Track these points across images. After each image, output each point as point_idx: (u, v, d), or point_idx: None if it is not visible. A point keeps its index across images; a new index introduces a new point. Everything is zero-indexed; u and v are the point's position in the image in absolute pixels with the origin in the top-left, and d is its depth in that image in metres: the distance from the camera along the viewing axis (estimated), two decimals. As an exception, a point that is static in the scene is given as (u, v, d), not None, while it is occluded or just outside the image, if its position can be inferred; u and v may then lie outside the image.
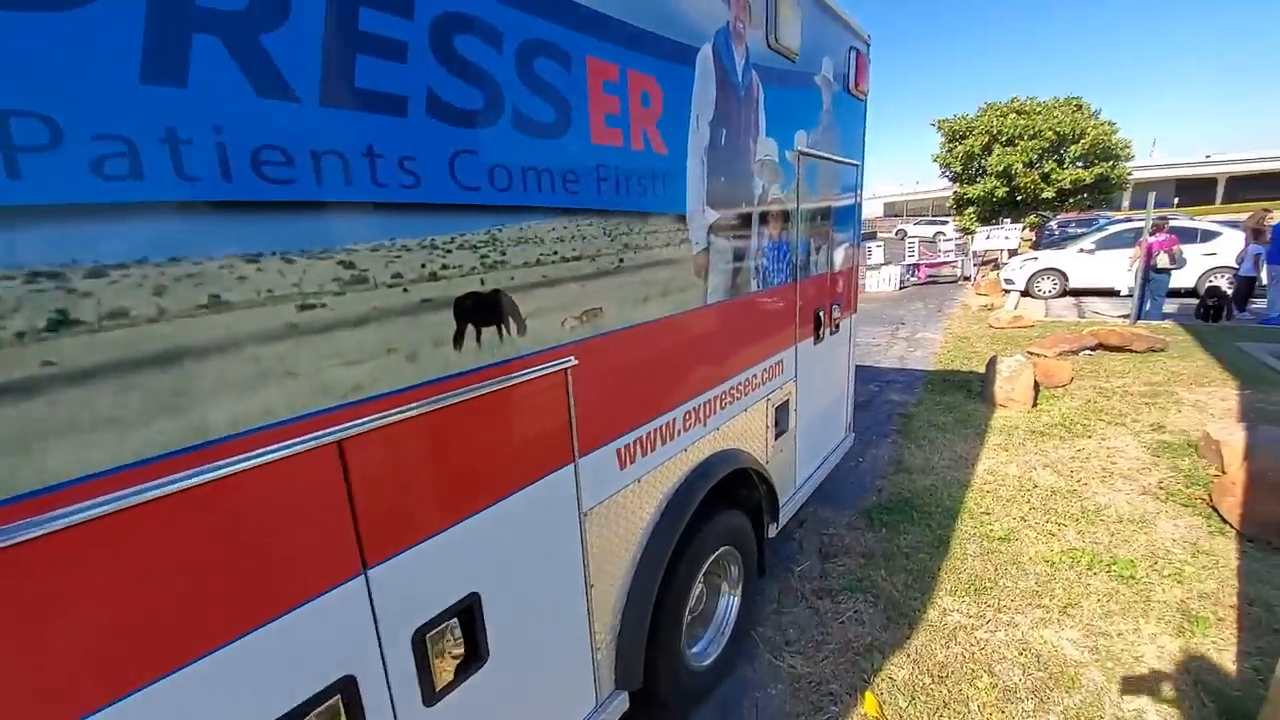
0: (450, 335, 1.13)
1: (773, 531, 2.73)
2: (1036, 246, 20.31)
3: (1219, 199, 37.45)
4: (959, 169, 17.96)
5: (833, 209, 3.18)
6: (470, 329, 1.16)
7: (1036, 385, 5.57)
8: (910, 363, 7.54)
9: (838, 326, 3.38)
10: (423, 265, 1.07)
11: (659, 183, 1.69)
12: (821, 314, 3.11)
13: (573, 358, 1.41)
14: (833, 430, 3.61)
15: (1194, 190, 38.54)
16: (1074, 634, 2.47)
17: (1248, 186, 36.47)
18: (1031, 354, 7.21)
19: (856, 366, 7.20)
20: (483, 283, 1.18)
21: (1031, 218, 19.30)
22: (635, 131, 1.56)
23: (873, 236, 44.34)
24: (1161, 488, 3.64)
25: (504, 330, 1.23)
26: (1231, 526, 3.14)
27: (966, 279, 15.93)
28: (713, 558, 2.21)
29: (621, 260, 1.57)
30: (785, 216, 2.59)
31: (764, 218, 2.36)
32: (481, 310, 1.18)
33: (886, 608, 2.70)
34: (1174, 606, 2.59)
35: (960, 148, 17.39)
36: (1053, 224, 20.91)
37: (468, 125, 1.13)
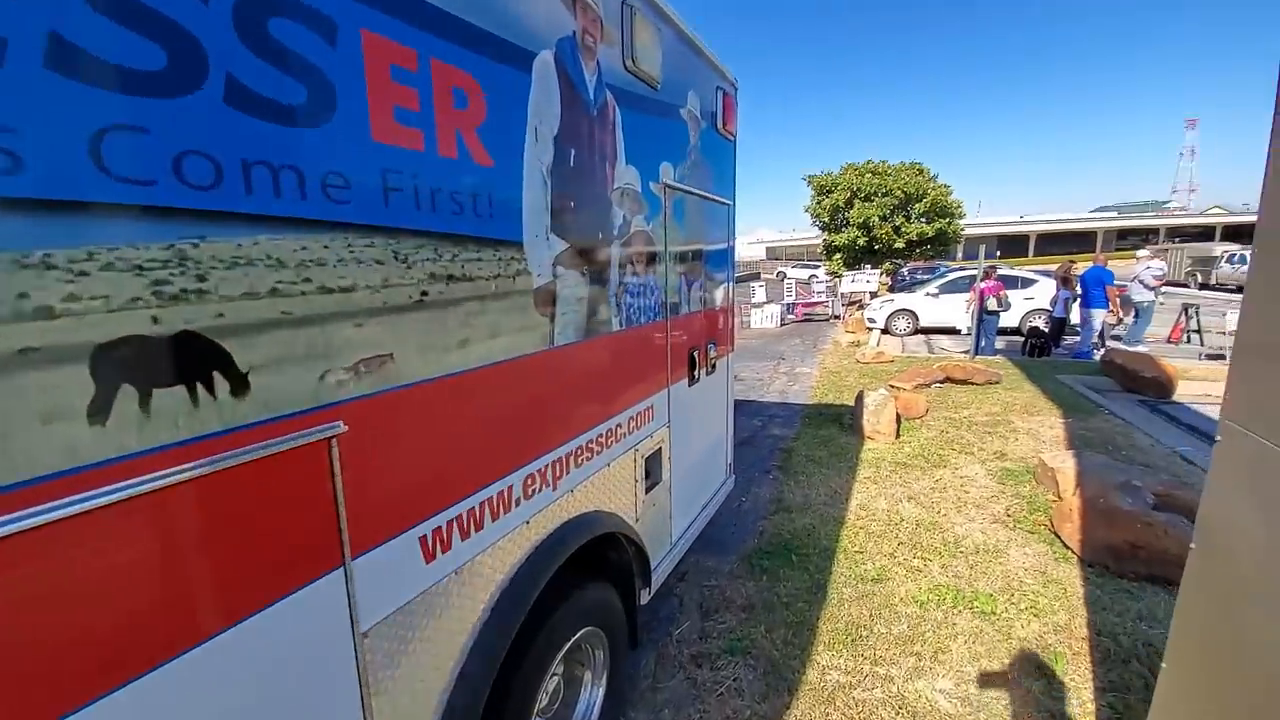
0: (84, 404, 0.72)
1: (645, 598, 2.43)
2: (892, 290, 22.65)
3: (1031, 252, 44.65)
4: (827, 219, 19.74)
5: (705, 246, 3.07)
6: (127, 392, 0.76)
7: (899, 417, 5.90)
8: (790, 396, 7.78)
9: (714, 366, 3.23)
10: (23, 295, 0.67)
11: (483, 201, 1.38)
12: (696, 354, 2.94)
13: (340, 423, 1.03)
14: (712, 475, 3.43)
15: (1011, 244, 45.66)
16: (946, 684, 2.40)
17: (1052, 242, 44.60)
18: (893, 387, 7.74)
19: (741, 402, 7.25)
20: (156, 321, 0.78)
21: (887, 265, 21.53)
22: (444, 135, 1.25)
23: (756, 277, 47.52)
24: (1009, 515, 3.84)
25: (199, 391, 0.83)
26: (1073, 552, 3.34)
27: (837, 318, 17.26)
28: (570, 645, 1.85)
29: (424, 294, 1.22)
30: (652, 251, 2.39)
31: (627, 251, 2.14)
32: (149, 362, 0.78)
33: (766, 672, 2.49)
34: (1034, 642, 2.63)
35: (827, 201, 19.16)
36: (904, 271, 23.50)
37: (126, 87, 0.75)
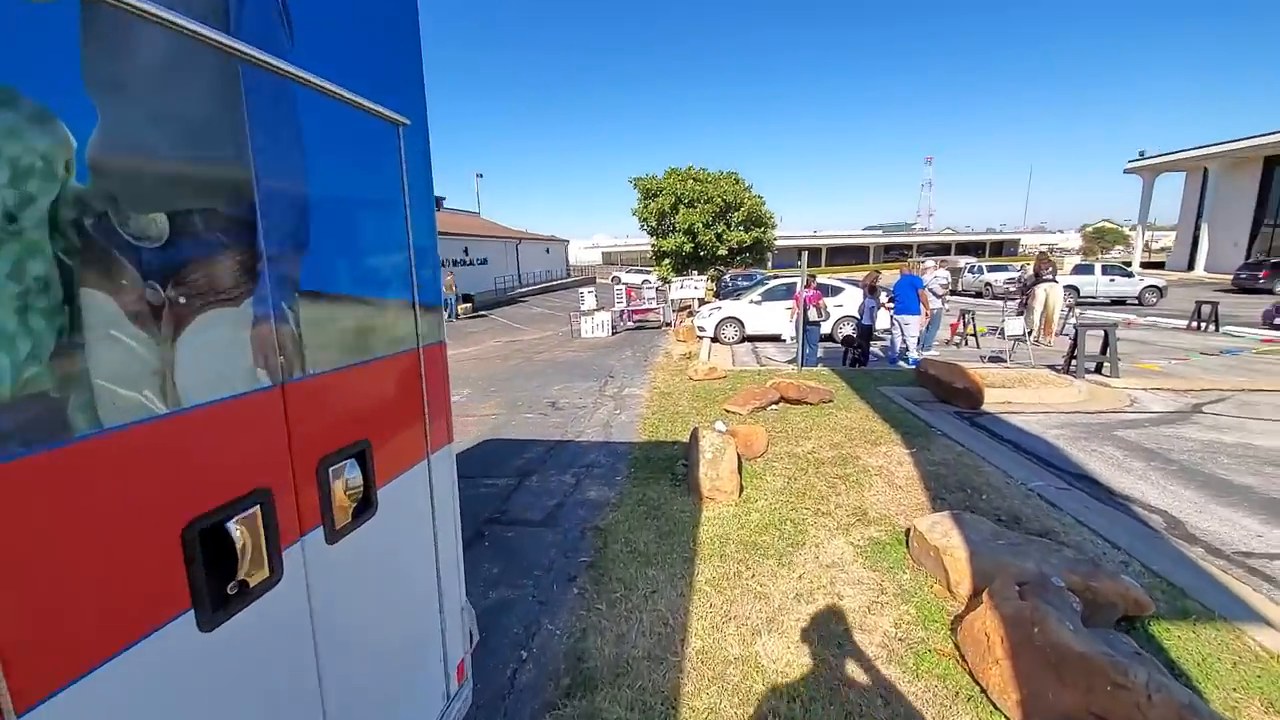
0: None
1: None
2: (719, 295, 22.85)
3: (824, 262, 50.03)
4: (654, 224, 19.03)
5: (358, 218, 1.21)
6: None
7: (740, 460, 4.62)
8: (616, 430, 6.22)
9: (402, 483, 1.39)
10: None
11: None
12: (335, 472, 1.08)
13: None
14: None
15: (809, 254, 51.17)
16: None
17: (838, 254, 50.91)
18: (728, 412, 6.62)
19: (554, 445, 5.47)
20: None
21: (713, 271, 21.59)
22: None
23: (592, 282, 46.76)
24: (903, 642, 2.58)
25: None
26: (1008, 724, 2.11)
27: (668, 325, 16.48)
28: None
29: None
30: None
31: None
32: None
33: None
34: None
35: (653, 204, 18.40)
36: (727, 278, 23.94)
37: None
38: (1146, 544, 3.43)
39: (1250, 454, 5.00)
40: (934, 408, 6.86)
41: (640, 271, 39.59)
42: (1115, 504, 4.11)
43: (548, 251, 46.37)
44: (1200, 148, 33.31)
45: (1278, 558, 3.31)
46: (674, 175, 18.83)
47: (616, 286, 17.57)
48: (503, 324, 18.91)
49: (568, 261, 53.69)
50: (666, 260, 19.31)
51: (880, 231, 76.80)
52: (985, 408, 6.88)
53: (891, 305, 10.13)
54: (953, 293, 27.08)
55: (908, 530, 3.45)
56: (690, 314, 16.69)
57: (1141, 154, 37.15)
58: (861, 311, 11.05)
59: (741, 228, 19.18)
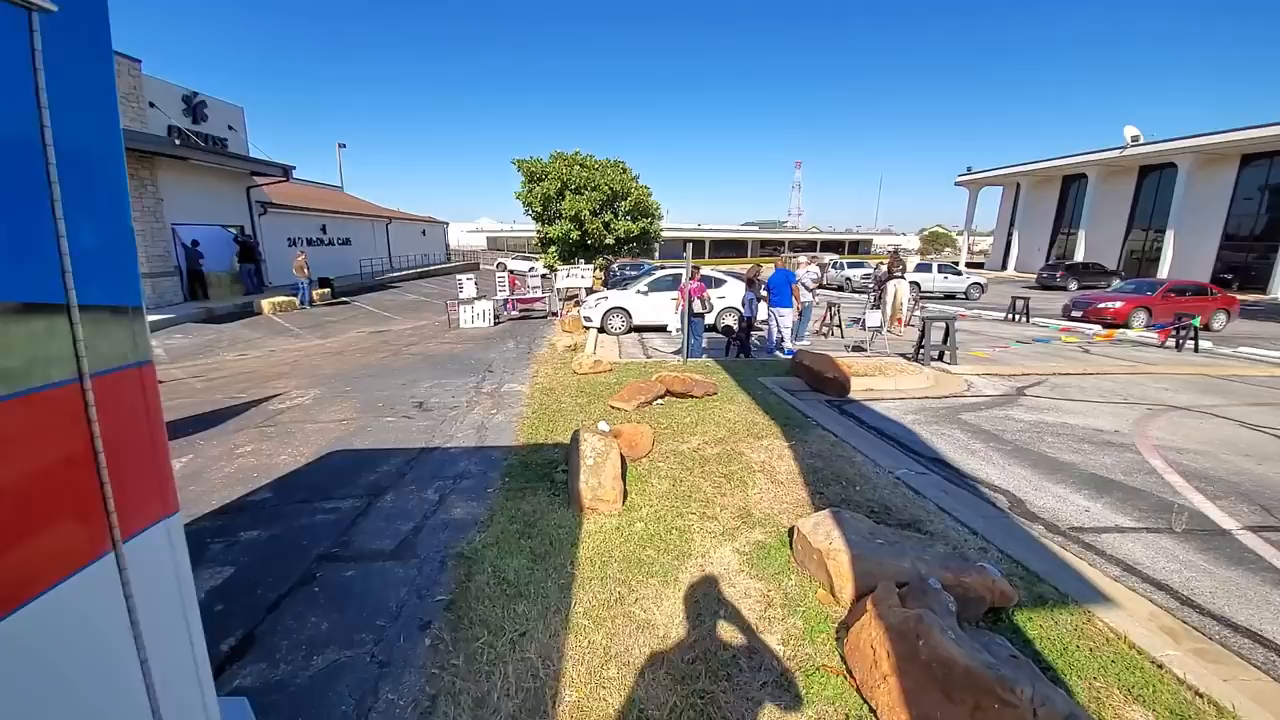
0: None
1: None
2: (607, 285, 22.57)
3: (707, 255, 51.95)
4: (539, 209, 18.17)
5: None
6: None
7: (624, 462, 4.31)
8: (491, 434, 5.62)
9: (51, 604, 0.81)
10: None
11: None
12: None
13: None
14: None
15: (693, 247, 52.98)
16: None
17: (721, 247, 53.33)
18: (613, 409, 6.31)
19: (421, 453, 4.77)
20: None
21: (600, 260, 21.23)
22: None
23: (475, 268, 44.22)
24: (792, 661, 2.40)
25: None
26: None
27: (554, 315, 15.85)
28: None
29: None
30: None
31: None
32: None
33: None
34: None
35: (538, 189, 17.54)
36: (615, 267, 23.73)
37: None
38: (997, 526, 3.65)
39: (1068, 433, 5.70)
40: (808, 397, 7.09)
41: (527, 258, 38.14)
42: (966, 485, 4.40)
43: (424, 234, 42.99)
44: (1014, 166, 39.23)
45: (1105, 530, 3.69)
46: (560, 159, 18.07)
47: (500, 274, 16.55)
48: (368, 312, 17.01)
49: (447, 245, 50.30)
50: (553, 248, 18.57)
51: (757, 228, 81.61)
52: (852, 395, 7.27)
53: (768, 298, 10.46)
54: (821, 286, 29.29)
55: (791, 530, 3.35)
56: (577, 304, 16.21)
57: (969, 170, 42.89)
58: (743, 303, 11.34)
59: (629, 217, 18.98)
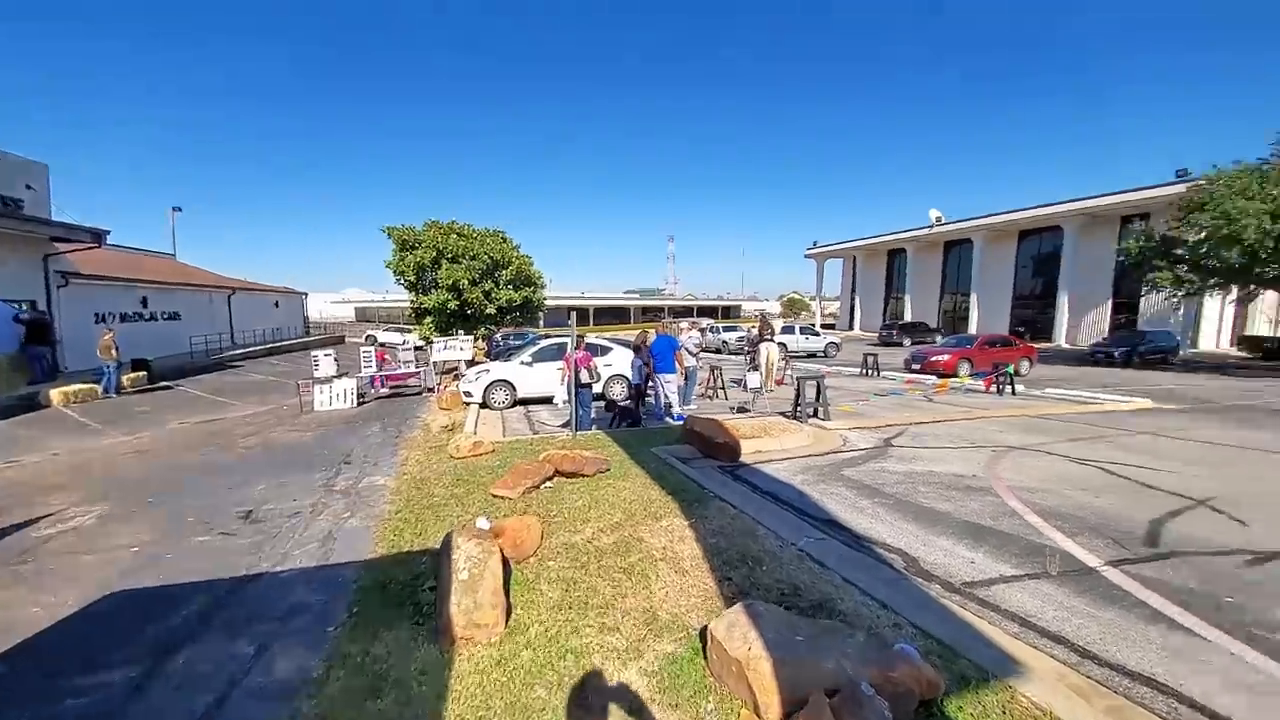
0: None
1: None
2: (490, 355, 21.57)
3: (591, 322, 52.73)
4: (413, 278, 17.08)
5: None
6: None
7: (505, 567, 3.67)
8: (341, 546, 4.62)
9: None
10: None
11: None
12: None
13: None
14: None
15: (577, 315, 53.88)
16: None
17: (604, 314, 54.47)
18: (496, 497, 5.59)
19: (238, 585, 3.71)
20: None
21: (482, 330, 20.33)
22: None
23: (341, 341, 40.41)
24: (724, 828, 1.92)
25: None
26: None
27: (431, 390, 14.58)
28: None
29: None
30: None
31: None
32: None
33: None
34: None
35: (411, 257, 16.54)
36: (498, 337, 22.89)
37: None
38: (902, 595, 3.54)
39: (936, 480, 6.03)
40: (701, 464, 6.92)
41: (401, 330, 35.64)
42: (863, 548, 4.35)
43: (277, 305, 38.73)
44: (849, 241, 45.35)
45: (993, 582, 3.74)
46: (435, 228, 17.33)
47: (365, 349, 15.03)
48: (196, 398, 14.40)
49: (306, 318, 45.74)
50: (429, 318, 17.40)
51: (638, 295, 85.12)
52: (743, 458, 7.24)
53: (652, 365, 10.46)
54: (705, 350, 30.58)
55: (703, 634, 2.93)
56: (456, 377, 15.11)
57: (815, 244, 48.83)
58: (632, 370, 11.23)
59: (511, 286, 18.53)
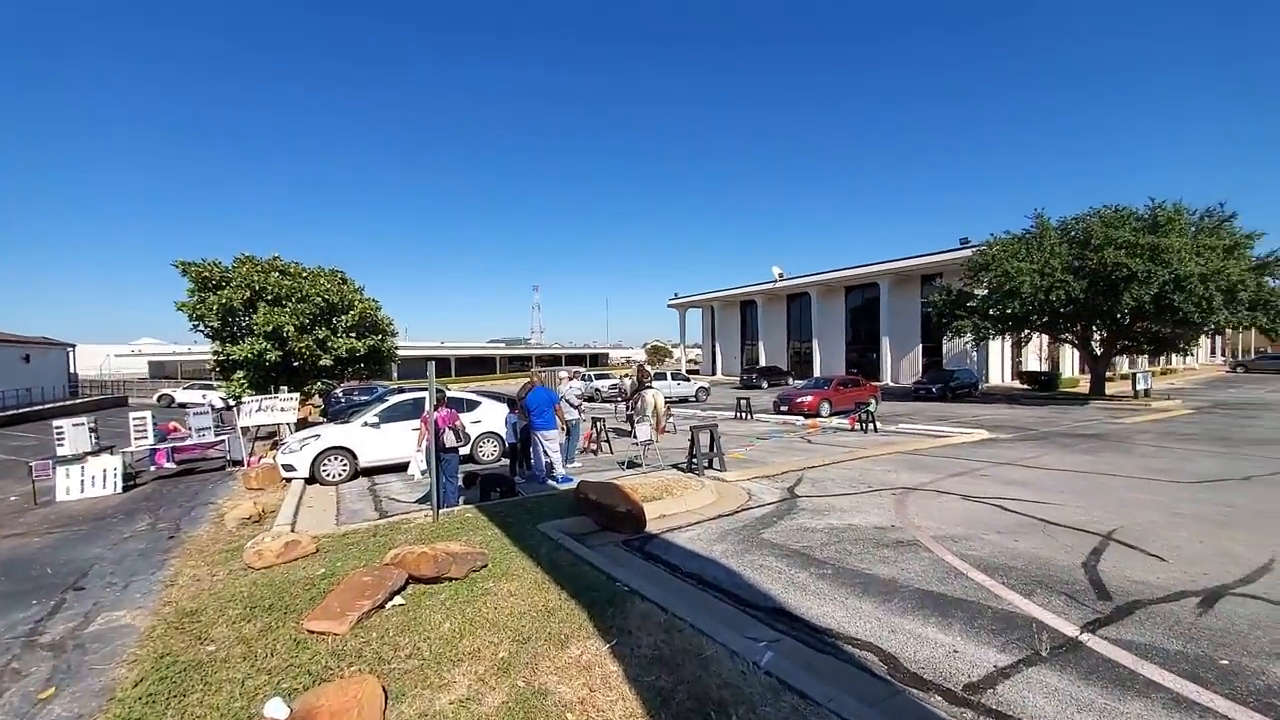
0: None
1: None
2: (327, 415, 18.01)
3: (454, 373, 48.70)
4: (217, 324, 13.57)
5: None
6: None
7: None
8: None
9: None
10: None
11: None
12: None
13: None
14: None
15: (439, 366, 49.53)
16: None
17: (468, 364, 50.65)
18: (314, 634, 3.72)
19: None
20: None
21: (319, 385, 16.93)
22: None
23: (124, 403, 31.96)
24: None
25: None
26: None
27: (238, 464, 11.28)
28: None
29: None
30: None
31: None
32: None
33: None
34: None
35: (215, 299, 13.14)
36: (338, 392, 19.38)
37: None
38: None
39: (861, 537, 5.43)
40: (602, 542, 5.64)
41: (210, 387, 29.09)
42: (828, 648, 3.42)
43: (27, 360, 29.70)
44: (706, 293, 47.96)
45: (994, 680, 2.98)
46: (249, 264, 14.11)
47: (135, 415, 11.37)
48: None
49: (72, 375, 35.88)
50: (240, 373, 13.88)
51: (504, 344, 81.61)
52: (649, 526, 6.11)
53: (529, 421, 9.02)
54: (589, 400, 29.33)
55: None
56: (275, 445, 12.00)
57: (675, 295, 50.94)
58: (507, 427, 9.61)
59: (353, 334, 15.71)
